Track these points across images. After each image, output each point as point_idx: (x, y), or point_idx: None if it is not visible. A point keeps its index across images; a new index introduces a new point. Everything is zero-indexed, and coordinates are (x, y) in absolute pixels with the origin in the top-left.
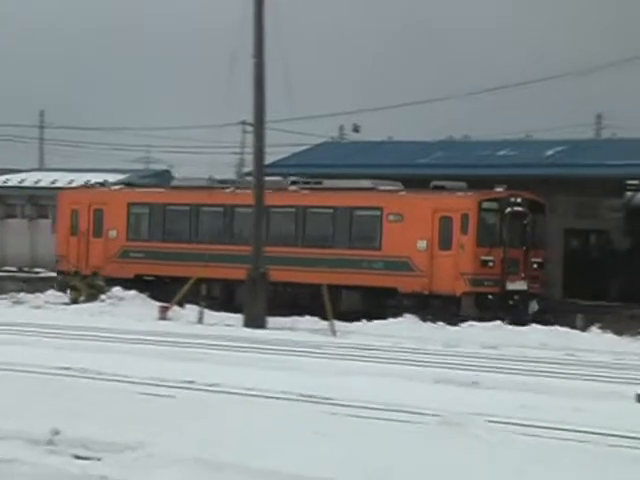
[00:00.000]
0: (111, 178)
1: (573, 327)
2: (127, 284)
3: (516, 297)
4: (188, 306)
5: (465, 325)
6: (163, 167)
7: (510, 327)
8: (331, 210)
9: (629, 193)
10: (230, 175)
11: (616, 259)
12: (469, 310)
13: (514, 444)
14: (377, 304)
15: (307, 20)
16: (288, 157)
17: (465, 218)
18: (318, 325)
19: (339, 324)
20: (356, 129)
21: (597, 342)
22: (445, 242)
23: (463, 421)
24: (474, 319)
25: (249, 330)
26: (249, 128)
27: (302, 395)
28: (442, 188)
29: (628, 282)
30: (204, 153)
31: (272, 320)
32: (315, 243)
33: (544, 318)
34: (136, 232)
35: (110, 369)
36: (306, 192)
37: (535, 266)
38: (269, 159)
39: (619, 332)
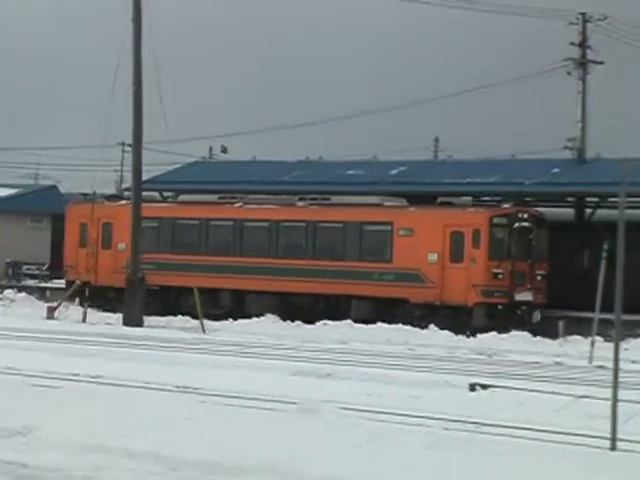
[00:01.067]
0: (1, 192)
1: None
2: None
3: (523, 307)
4: (72, 307)
5: (319, 323)
6: (51, 183)
7: (358, 325)
8: (341, 225)
9: None
10: (111, 190)
11: None
12: (480, 320)
13: (361, 426)
14: (387, 313)
15: (183, 51)
16: (163, 174)
17: (477, 233)
18: (189, 324)
19: (208, 323)
20: (224, 150)
21: (434, 338)
22: (456, 255)
23: (318, 407)
24: (485, 328)
25: (128, 328)
26: (128, 148)
27: (177, 386)
28: (449, 204)
29: None
30: (87, 170)
31: (148, 319)
32: (326, 256)
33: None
34: (145, 244)
35: (2, 363)
36: (315, 207)
37: (539, 278)
38: (146, 176)
39: (455, 330)
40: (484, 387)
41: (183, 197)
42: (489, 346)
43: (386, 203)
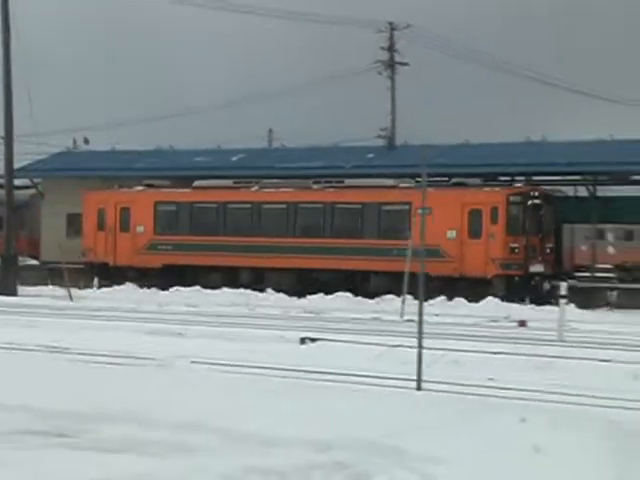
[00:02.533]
0: None
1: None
2: (154, 273)
3: (537, 278)
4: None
5: (173, 290)
6: None
7: (206, 290)
8: (360, 206)
9: None
10: None
11: None
12: (499, 290)
13: (209, 378)
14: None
15: (52, 50)
16: (33, 163)
17: (495, 210)
18: (58, 292)
19: (75, 291)
20: (86, 141)
21: (271, 300)
22: (475, 231)
23: (172, 363)
24: (502, 298)
25: (3, 297)
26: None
27: (48, 347)
28: (463, 184)
29: None
30: None
31: (21, 289)
32: (346, 234)
33: None
34: (163, 227)
35: None
36: (332, 190)
37: (548, 251)
38: (17, 165)
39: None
40: (313, 340)
41: (198, 182)
42: (318, 306)
43: (402, 185)
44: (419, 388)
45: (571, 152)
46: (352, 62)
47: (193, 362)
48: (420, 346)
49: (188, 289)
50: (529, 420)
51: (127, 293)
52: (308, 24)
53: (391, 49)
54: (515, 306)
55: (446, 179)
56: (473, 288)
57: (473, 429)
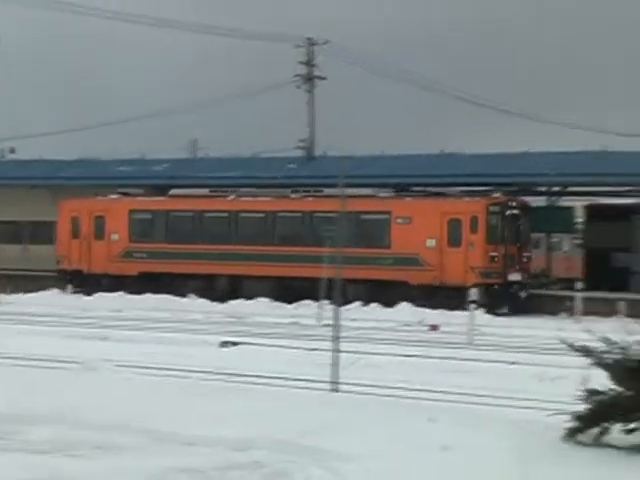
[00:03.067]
0: None
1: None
2: (130, 280)
3: (515, 287)
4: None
5: (97, 295)
6: None
7: (129, 296)
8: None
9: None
10: None
11: None
12: (479, 299)
13: (132, 380)
14: (385, 294)
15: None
16: None
17: (475, 219)
18: None
19: (3, 297)
20: (12, 151)
21: (194, 305)
22: (454, 240)
23: (97, 366)
24: (482, 306)
25: None
26: None
27: None
28: (442, 194)
29: None
30: None
31: None
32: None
33: None
34: (139, 235)
35: None
36: (311, 199)
37: (525, 260)
38: None
39: (211, 298)
40: (234, 344)
41: (174, 191)
42: (239, 310)
43: (381, 194)
44: (336, 390)
45: (483, 164)
46: (273, 75)
47: (117, 365)
48: (336, 349)
49: (114, 294)
50: (438, 420)
51: (51, 298)
52: (232, 39)
53: (309, 64)
54: (428, 311)
55: (422, 189)
56: (453, 296)
57: (386, 428)
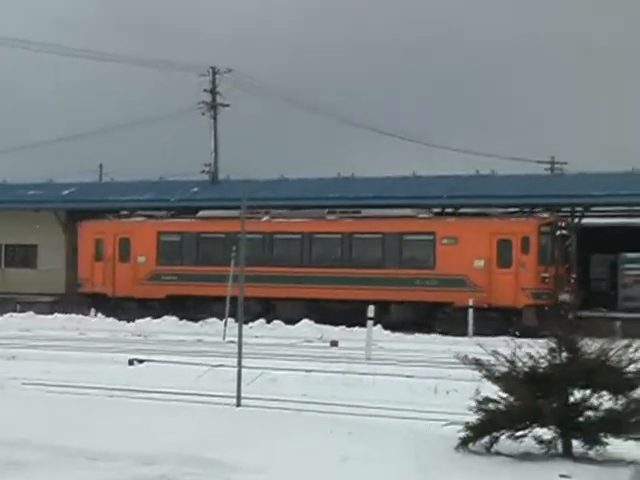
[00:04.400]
0: None
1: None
2: (157, 303)
3: (566, 307)
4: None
5: (7, 315)
6: None
7: (40, 316)
8: (380, 235)
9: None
10: None
11: None
12: (530, 320)
13: (38, 398)
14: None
15: None
16: None
17: (526, 240)
18: None
19: None
20: None
21: (101, 324)
22: (504, 261)
23: (4, 384)
24: (535, 328)
25: None
26: None
27: None
28: (487, 215)
29: None
30: None
31: None
32: (366, 264)
33: None
34: (167, 257)
35: None
36: (350, 220)
37: (572, 281)
38: None
39: (116, 316)
40: (140, 362)
41: (202, 213)
42: (145, 329)
43: (421, 215)
44: (239, 404)
45: (377, 186)
46: (180, 102)
47: (24, 384)
48: (240, 365)
49: (23, 314)
50: (338, 432)
51: None
52: (142, 67)
53: (213, 91)
54: (328, 327)
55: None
56: (503, 318)
57: (287, 441)
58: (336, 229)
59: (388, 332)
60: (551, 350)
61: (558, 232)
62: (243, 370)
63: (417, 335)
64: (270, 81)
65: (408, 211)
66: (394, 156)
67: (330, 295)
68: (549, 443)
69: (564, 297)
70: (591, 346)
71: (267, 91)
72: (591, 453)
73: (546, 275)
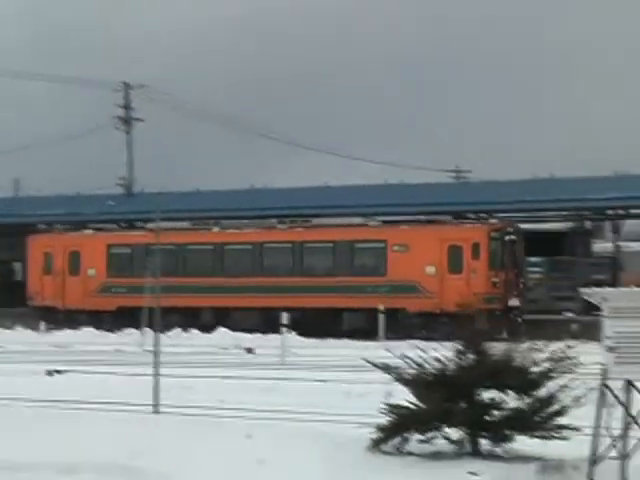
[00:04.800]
0: None
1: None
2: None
3: (515, 312)
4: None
5: None
6: None
7: None
8: (331, 244)
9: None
10: None
11: None
12: (482, 325)
13: None
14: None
15: None
16: None
17: (476, 246)
18: None
19: None
20: None
21: (20, 336)
22: (455, 267)
23: None
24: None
25: None
26: None
27: None
28: (436, 222)
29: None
30: None
31: None
32: (316, 273)
33: None
34: (117, 269)
35: None
36: (300, 229)
37: (521, 285)
38: None
39: (35, 329)
40: (59, 372)
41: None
42: (64, 340)
43: (371, 223)
44: (157, 412)
45: (289, 197)
46: (95, 118)
47: None
48: (156, 374)
49: None
50: (255, 436)
51: None
52: (57, 84)
53: (127, 107)
54: (242, 335)
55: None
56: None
57: (205, 446)
58: (287, 238)
59: (302, 339)
60: (458, 353)
61: (507, 237)
62: (161, 378)
63: (330, 341)
64: (185, 96)
65: (358, 220)
66: (308, 168)
67: (283, 304)
68: (458, 442)
69: (513, 301)
70: (517, 349)
71: (182, 106)
72: (498, 451)
73: (496, 280)
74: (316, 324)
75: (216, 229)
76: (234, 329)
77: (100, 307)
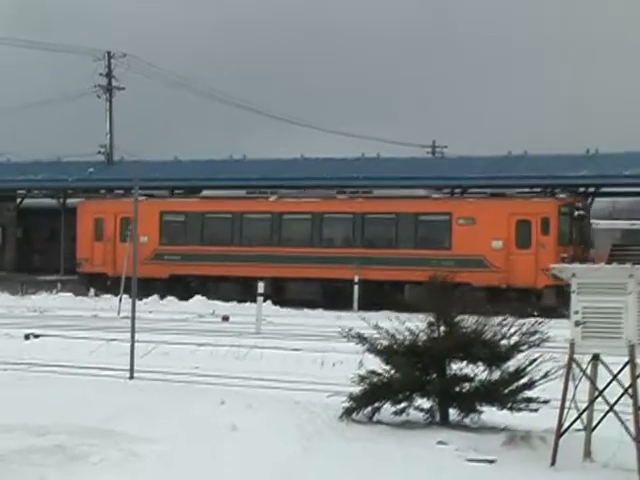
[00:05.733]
0: None
1: None
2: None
3: None
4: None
5: None
6: None
7: None
8: (394, 216)
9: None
10: None
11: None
12: (550, 300)
13: None
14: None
15: None
16: None
17: (546, 221)
18: None
19: None
20: None
21: None
22: (523, 241)
23: None
24: (554, 309)
25: None
26: None
27: None
28: (504, 195)
29: (22, 258)
30: None
31: None
32: (377, 244)
33: None
34: (170, 237)
35: None
36: (361, 200)
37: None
38: None
39: (13, 292)
40: (36, 336)
41: (206, 192)
42: (41, 304)
43: (434, 195)
44: (132, 377)
45: (264, 168)
46: (77, 85)
47: None
48: (133, 339)
49: None
50: (228, 403)
51: None
52: (40, 51)
53: (109, 75)
54: (220, 303)
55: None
56: (521, 298)
57: (179, 412)
58: (348, 209)
59: (278, 307)
60: (430, 324)
61: (576, 212)
62: (137, 344)
63: (305, 310)
64: (167, 66)
65: (422, 192)
66: (285, 139)
67: (347, 276)
68: (428, 412)
69: None
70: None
71: (163, 76)
72: (467, 421)
73: (565, 255)
74: (377, 296)
75: (273, 198)
76: (291, 301)
77: (151, 275)
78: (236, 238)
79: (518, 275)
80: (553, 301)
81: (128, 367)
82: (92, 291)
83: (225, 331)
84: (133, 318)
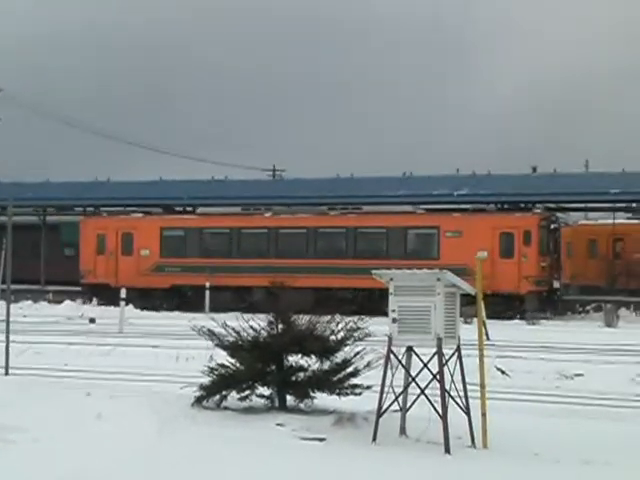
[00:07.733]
0: None
1: None
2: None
3: (558, 293)
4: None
5: None
6: None
7: None
8: (384, 230)
9: None
10: None
11: None
12: (532, 304)
13: None
14: None
15: None
16: None
17: (528, 233)
18: None
19: None
20: None
21: None
22: (507, 252)
23: None
24: (535, 311)
25: None
26: None
27: None
28: (485, 210)
29: None
30: None
31: None
32: (369, 256)
33: None
34: (170, 250)
35: None
36: (353, 216)
37: (560, 270)
38: None
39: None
40: None
41: (202, 209)
42: None
43: (419, 210)
44: (7, 373)
45: (130, 189)
46: None
47: None
48: (7, 339)
49: None
50: (94, 394)
51: None
52: None
53: None
54: (86, 307)
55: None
56: (509, 303)
57: (50, 404)
58: (341, 223)
59: (138, 311)
60: (270, 323)
61: (551, 225)
62: (13, 345)
63: (164, 313)
64: (39, 99)
65: (408, 207)
66: (147, 164)
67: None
68: (268, 399)
69: (556, 284)
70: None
71: (36, 107)
72: (302, 406)
73: (544, 264)
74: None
75: (268, 214)
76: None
77: (152, 285)
78: (234, 251)
79: (502, 282)
80: (535, 305)
81: (4, 365)
82: (95, 300)
83: (92, 331)
84: (8, 320)
